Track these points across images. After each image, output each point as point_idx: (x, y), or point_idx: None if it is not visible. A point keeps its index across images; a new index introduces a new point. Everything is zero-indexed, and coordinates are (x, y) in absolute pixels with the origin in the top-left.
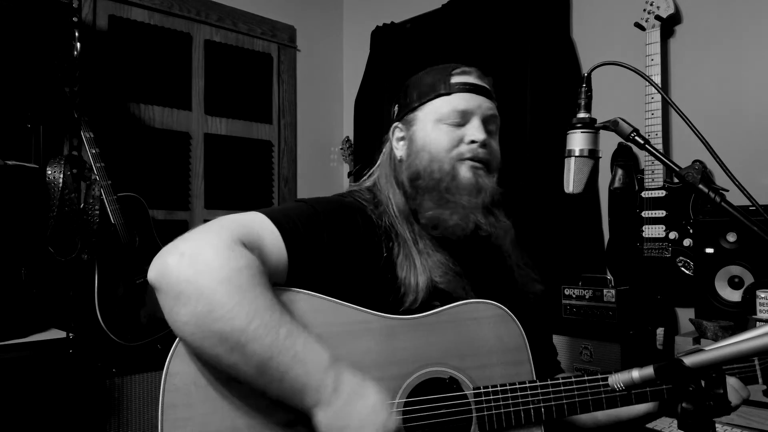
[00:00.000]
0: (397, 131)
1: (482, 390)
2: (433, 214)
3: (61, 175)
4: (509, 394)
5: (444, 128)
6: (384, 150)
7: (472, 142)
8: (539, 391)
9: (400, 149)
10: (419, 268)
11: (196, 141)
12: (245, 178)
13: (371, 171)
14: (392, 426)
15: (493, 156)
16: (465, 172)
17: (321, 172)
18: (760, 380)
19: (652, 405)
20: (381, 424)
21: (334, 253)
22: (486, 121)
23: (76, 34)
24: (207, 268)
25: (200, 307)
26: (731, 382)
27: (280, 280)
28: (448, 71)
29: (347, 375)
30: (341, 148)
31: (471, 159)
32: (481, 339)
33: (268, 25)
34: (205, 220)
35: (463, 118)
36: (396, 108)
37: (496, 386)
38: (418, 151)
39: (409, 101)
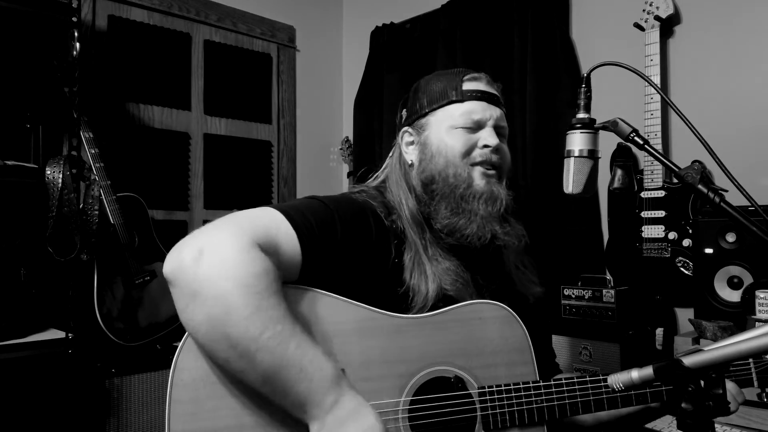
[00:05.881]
0: (406, 136)
1: (487, 389)
2: (450, 221)
3: (61, 175)
4: (513, 394)
5: (458, 133)
6: (392, 154)
7: (486, 146)
8: (542, 391)
9: (410, 154)
10: (430, 276)
11: (195, 141)
12: (245, 179)
13: (376, 174)
14: None
15: (504, 161)
16: (479, 180)
17: (320, 172)
18: (755, 383)
19: None
20: None
21: (346, 252)
22: (497, 128)
23: (76, 34)
24: (226, 270)
25: (216, 310)
26: (728, 386)
27: (291, 278)
28: (460, 77)
29: (348, 396)
30: (341, 149)
31: (484, 163)
32: (486, 339)
33: (268, 25)
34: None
35: (476, 125)
36: (404, 113)
37: (500, 386)
38: (433, 155)
39: (419, 107)
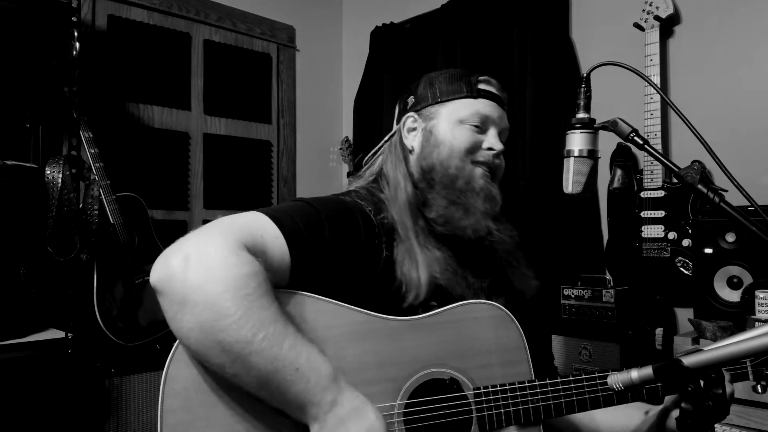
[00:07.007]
0: (409, 121)
1: (482, 390)
2: (447, 211)
3: (60, 175)
4: (509, 394)
5: (466, 129)
6: (391, 139)
7: (490, 149)
8: (538, 390)
9: (411, 139)
10: (421, 263)
11: (195, 141)
12: (244, 179)
13: (372, 161)
14: None
15: (501, 167)
16: (479, 178)
17: (320, 172)
18: (750, 376)
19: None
20: None
21: (335, 254)
22: (501, 133)
23: (75, 33)
24: (214, 274)
25: (206, 315)
26: None
27: (281, 282)
28: (475, 75)
29: (347, 394)
30: (340, 148)
31: (485, 165)
32: (481, 339)
33: (268, 25)
34: (204, 221)
35: (483, 124)
36: (411, 99)
37: (495, 386)
38: (438, 144)
39: (430, 95)
